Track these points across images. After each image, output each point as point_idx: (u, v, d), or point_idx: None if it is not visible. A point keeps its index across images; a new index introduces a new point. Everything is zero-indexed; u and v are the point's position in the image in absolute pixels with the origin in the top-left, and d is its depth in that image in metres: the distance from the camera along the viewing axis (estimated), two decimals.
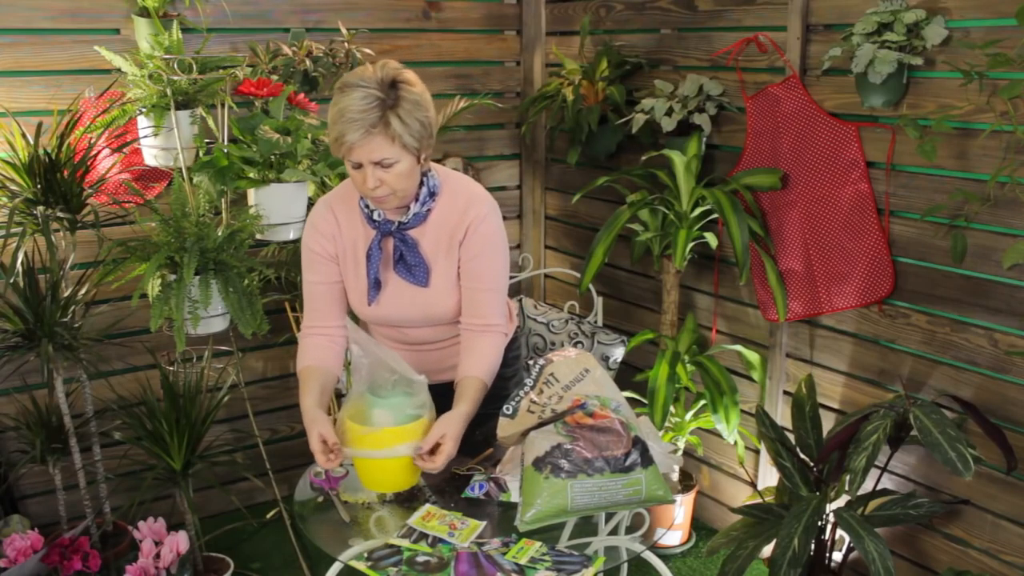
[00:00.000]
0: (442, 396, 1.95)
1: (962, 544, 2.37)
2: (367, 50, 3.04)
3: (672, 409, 2.87)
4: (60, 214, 2.39)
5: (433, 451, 1.78)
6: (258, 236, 2.55)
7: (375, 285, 1.97)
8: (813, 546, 2.34)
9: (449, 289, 1.99)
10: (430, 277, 1.97)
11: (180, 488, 2.53)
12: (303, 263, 2.04)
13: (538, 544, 1.64)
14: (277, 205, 2.53)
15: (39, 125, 2.44)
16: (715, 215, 2.71)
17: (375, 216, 1.94)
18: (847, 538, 2.30)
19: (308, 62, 2.88)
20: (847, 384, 2.62)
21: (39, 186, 2.37)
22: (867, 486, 2.41)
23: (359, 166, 1.82)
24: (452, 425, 1.81)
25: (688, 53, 2.93)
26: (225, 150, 2.50)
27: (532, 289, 3.73)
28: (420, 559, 1.59)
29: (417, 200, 1.92)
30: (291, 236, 2.61)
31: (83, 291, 2.48)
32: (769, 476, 2.88)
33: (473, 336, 2.01)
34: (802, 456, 2.39)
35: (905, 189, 2.38)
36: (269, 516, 2.94)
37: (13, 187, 2.41)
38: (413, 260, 1.95)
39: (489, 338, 2.01)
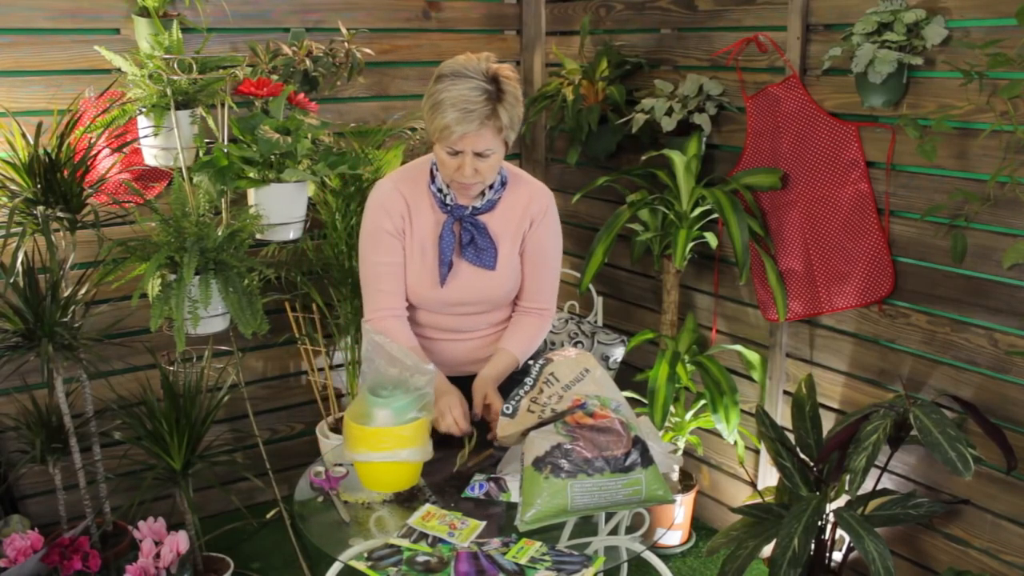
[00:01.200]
0: (464, 389, 2.06)
1: (962, 544, 2.37)
2: (367, 50, 3.03)
3: (672, 409, 2.87)
4: (60, 214, 2.39)
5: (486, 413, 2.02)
6: (258, 236, 2.55)
7: (449, 267, 2.04)
8: (813, 546, 2.34)
9: (509, 273, 2.10)
10: (497, 260, 2.06)
11: (180, 488, 2.53)
12: (367, 245, 2.08)
13: (538, 544, 1.64)
14: (277, 205, 2.53)
15: (39, 125, 2.44)
16: (715, 215, 2.71)
17: (447, 201, 2.03)
18: (847, 538, 2.30)
19: (308, 62, 2.88)
20: (847, 384, 2.62)
21: (39, 186, 2.37)
22: (867, 486, 2.41)
23: (456, 153, 1.90)
24: (489, 385, 2.05)
25: (688, 53, 2.92)
26: (225, 150, 2.50)
27: None
28: (420, 559, 1.59)
29: (491, 188, 2.04)
30: (291, 236, 2.61)
31: (83, 291, 2.47)
32: (769, 476, 2.89)
33: (523, 316, 2.17)
34: (802, 456, 2.39)
35: (905, 189, 2.38)
36: (269, 516, 2.94)
37: (13, 187, 2.40)
38: (483, 244, 2.04)
39: (536, 320, 2.17)
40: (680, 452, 3.00)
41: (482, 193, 2.04)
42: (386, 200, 2.06)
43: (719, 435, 3.02)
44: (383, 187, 2.08)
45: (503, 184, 2.07)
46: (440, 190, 2.03)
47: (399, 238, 2.06)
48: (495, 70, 1.90)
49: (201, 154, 2.60)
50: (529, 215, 2.09)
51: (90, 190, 2.49)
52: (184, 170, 2.55)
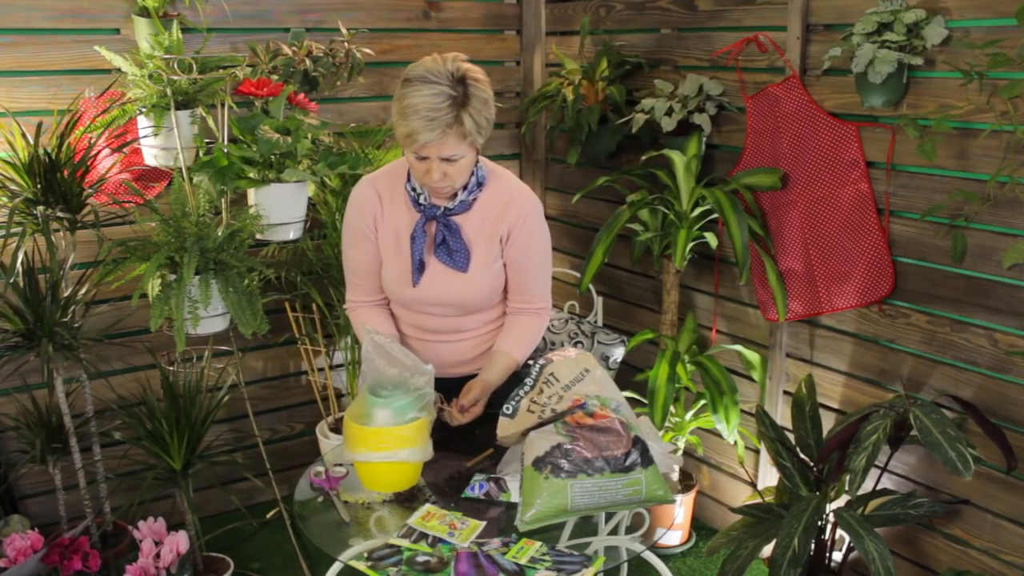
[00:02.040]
0: (458, 391, 2.03)
1: (962, 544, 2.37)
2: (367, 50, 3.03)
3: (672, 409, 2.87)
4: (60, 214, 2.39)
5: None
6: (258, 236, 2.55)
7: (419, 267, 2.02)
8: (813, 546, 2.34)
9: (483, 276, 2.05)
10: (470, 263, 2.03)
11: (180, 488, 2.53)
12: (344, 239, 2.13)
13: (538, 544, 1.64)
14: (277, 205, 2.53)
15: (39, 125, 2.44)
16: (715, 215, 2.71)
17: (421, 200, 2.01)
18: (847, 538, 2.30)
19: (308, 62, 2.88)
20: (847, 384, 2.62)
21: (39, 186, 2.37)
22: (867, 486, 2.41)
23: (423, 158, 1.88)
24: (482, 389, 2.02)
25: (688, 53, 2.92)
26: (225, 150, 2.50)
27: None
28: (420, 559, 1.59)
29: (465, 188, 2.00)
30: (291, 236, 2.61)
31: (83, 291, 2.47)
32: (769, 476, 2.88)
33: (516, 316, 2.13)
34: (802, 456, 2.39)
35: (905, 189, 2.38)
36: (269, 516, 2.94)
37: (13, 187, 2.40)
38: (455, 245, 2.01)
39: (532, 319, 2.13)
40: (680, 452, 3.00)
41: (455, 194, 2.00)
42: (359, 198, 2.08)
43: (719, 435, 3.02)
44: (360, 185, 2.10)
45: (479, 185, 2.02)
46: (414, 189, 2.01)
47: (370, 236, 2.07)
48: (463, 71, 1.85)
49: (201, 154, 2.60)
50: (506, 223, 2.02)
51: (90, 190, 2.49)
52: (184, 170, 2.55)
